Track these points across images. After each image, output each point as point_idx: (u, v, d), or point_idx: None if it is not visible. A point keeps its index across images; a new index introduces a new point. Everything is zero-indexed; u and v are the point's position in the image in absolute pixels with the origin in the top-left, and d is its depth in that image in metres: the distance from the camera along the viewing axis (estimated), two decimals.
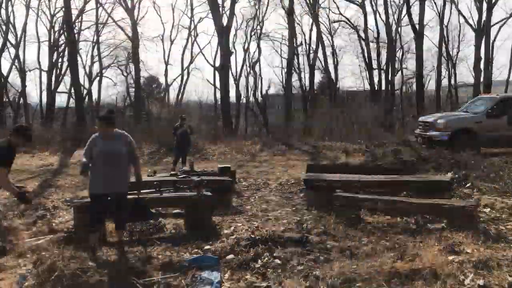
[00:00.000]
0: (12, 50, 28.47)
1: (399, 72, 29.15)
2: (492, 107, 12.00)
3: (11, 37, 28.00)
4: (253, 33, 30.38)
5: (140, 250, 4.77)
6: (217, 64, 24.67)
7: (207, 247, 4.79)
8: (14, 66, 28.49)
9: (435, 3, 33.32)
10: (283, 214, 6.44)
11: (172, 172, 8.66)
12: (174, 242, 5.01)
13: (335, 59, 32.15)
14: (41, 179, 10.28)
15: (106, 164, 4.54)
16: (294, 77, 28.99)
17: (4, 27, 26.90)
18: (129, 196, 4.88)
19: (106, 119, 4.72)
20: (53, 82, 28.65)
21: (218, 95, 27.77)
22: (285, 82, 26.84)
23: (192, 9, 31.34)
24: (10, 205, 6.63)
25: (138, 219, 5.37)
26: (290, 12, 23.62)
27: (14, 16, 43.59)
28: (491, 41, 26.37)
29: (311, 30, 30.14)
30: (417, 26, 25.65)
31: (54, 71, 29.17)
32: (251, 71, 30.27)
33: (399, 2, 27.98)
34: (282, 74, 31.42)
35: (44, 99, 29.83)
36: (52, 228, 5.69)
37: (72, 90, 25.56)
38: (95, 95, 31.38)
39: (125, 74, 32.22)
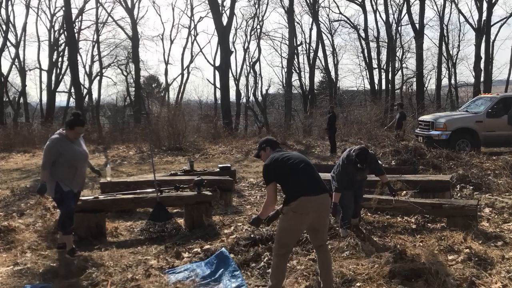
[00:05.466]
0: (12, 50, 28.49)
1: (399, 72, 29.14)
2: (492, 107, 12.00)
3: (11, 37, 28.02)
4: (253, 32, 30.37)
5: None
6: (217, 63, 24.65)
7: (207, 246, 4.79)
8: (14, 66, 28.52)
9: (435, 2, 33.38)
10: None
11: (172, 172, 8.65)
12: (174, 242, 5.01)
13: (335, 59, 32.16)
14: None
15: (79, 165, 4.68)
16: (294, 77, 28.98)
17: (4, 27, 26.87)
18: (151, 195, 5.47)
19: (83, 122, 4.83)
20: (53, 82, 28.64)
21: (218, 94, 27.81)
22: (285, 82, 26.84)
23: (192, 8, 31.33)
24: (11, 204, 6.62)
25: (158, 220, 5.44)
26: (290, 11, 23.60)
27: (14, 15, 43.66)
28: (491, 40, 26.36)
29: (311, 29, 30.11)
30: (417, 25, 25.67)
31: (54, 70, 29.17)
32: (251, 71, 30.22)
33: (399, 1, 27.95)
34: (282, 74, 31.43)
35: (44, 99, 29.90)
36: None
37: (72, 90, 25.59)
38: (95, 95, 31.35)
39: (125, 73, 32.21)
